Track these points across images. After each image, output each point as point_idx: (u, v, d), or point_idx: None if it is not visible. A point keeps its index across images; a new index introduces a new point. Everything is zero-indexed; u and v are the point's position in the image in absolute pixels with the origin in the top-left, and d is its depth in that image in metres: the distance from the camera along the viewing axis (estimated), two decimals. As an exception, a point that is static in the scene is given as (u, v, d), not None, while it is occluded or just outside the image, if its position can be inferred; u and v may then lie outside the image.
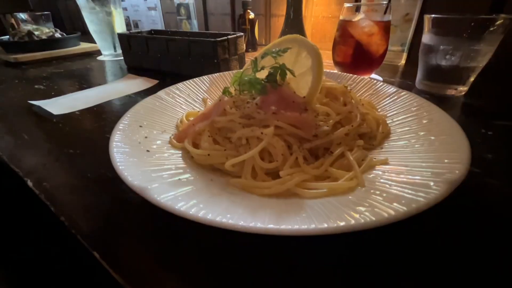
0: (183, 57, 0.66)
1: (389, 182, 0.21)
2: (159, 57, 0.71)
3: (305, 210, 0.18)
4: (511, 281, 0.18)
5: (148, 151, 0.27)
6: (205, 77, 0.46)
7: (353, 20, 0.55)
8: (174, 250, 0.20)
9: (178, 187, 0.21)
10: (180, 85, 0.42)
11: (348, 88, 0.38)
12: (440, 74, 0.50)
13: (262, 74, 0.30)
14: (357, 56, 0.57)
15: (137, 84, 0.62)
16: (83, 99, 0.54)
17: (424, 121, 0.30)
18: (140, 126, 0.31)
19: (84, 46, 1.03)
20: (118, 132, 0.28)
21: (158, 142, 0.30)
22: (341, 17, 0.58)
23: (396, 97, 0.36)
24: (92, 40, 0.96)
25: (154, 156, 0.26)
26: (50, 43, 0.94)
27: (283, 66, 0.29)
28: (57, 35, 1.02)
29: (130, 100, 0.55)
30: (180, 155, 0.28)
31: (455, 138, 0.25)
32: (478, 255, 0.19)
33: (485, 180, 0.27)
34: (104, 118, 0.47)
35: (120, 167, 0.21)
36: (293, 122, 0.26)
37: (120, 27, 0.91)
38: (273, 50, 0.30)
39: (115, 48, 0.94)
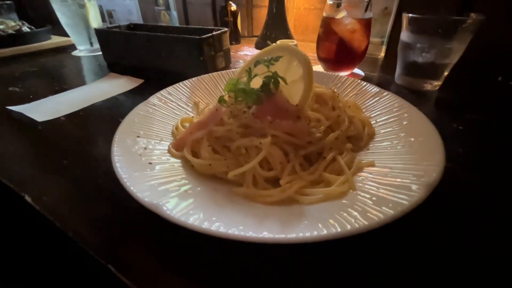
0: (167, 54, 0.65)
1: (376, 185, 0.24)
2: (141, 54, 0.69)
3: (306, 217, 0.21)
4: (485, 269, 0.21)
5: (150, 163, 0.28)
6: (194, 79, 0.46)
7: (336, 17, 0.57)
8: (183, 255, 0.22)
9: (187, 200, 0.23)
10: (170, 89, 0.43)
11: (335, 89, 0.40)
12: (417, 70, 0.54)
13: (255, 81, 0.32)
14: (340, 52, 0.59)
15: (121, 84, 0.61)
16: (67, 102, 0.52)
17: (405, 122, 0.33)
18: (138, 137, 0.31)
19: (56, 40, 0.97)
20: (117, 145, 0.28)
21: (157, 152, 0.31)
22: (324, 14, 0.59)
23: (378, 97, 0.39)
24: (63, 33, 0.91)
25: (157, 168, 0.27)
26: (19, 38, 0.88)
27: (275, 74, 0.31)
28: (25, 28, 0.95)
29: (117, 102, 0.54)
30: (180, 164, 0.29)
31: (432, 140, 0.28)
32: (452, 247, 0.23)
33: (457, 174, 0.31)
34: (92, 123, 0.46)
35: (129, 185, 0.22)
36: (288, 131, 0.27)
37: (95, 21, 0.87)
38: (266, 58, 0.31)
39: (91, 42, 0.89)
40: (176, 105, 0.41)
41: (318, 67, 0.69)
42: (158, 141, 0.33)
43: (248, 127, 0.28)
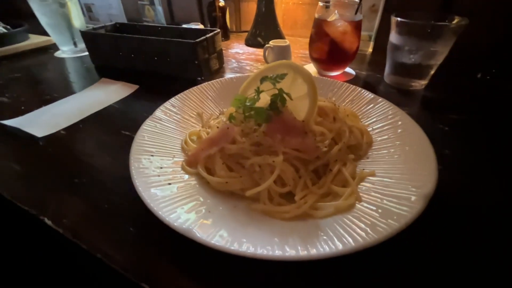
0: (161, 58, 0.65)
1: (380, 196, 0.27)
2: (132, 57, 0.68)
3: (323, 232, 0.23)
4: (476, 269, 0.25)
5: (169, 183, 0.29)
6: (195, 88, 0.47)
7: (328, 20, 0.58)
8: (208, 269, 0.24)
9: (213, 220, 0.25)
10: (173, 101, 0.43)
11: (332, 97, 0.42)
12: (405, 70, 0.57)
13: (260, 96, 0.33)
14: (332, 53, 0.61)
15: (116, 90, 0.60)
16: (63, 114, 0.51)
17: (399, 130, 0.36)
18: (152, 155, 0.33)
19: (35, 40, 0.93)
20: (135, 169, 0.30)
21: (172, 170, 0.32)
22: (316, 16, 0.60)
23: (373, 104, 0.42)
24: (42, 31, 0.86)
25: (177, 188, 0.29)
26: (-4, 40, 0.83)
27: (281, 91, 0.32)
28: (0, 29, 0.90)
29: (115, 111, 0.54)
30: (196, 182, 0.31)
31: (424, 149, 0.31)
32: (441, 249, 0.26)
33: (446, 176, 0.34)
34: (94, 136, 0.46)
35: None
36: (297, 147, 0.30)
37: (78, 20, 0.83)
38: (272, 76, 0.33)
39: (75, 43, 0.86)
40: (181, 118, 0.42)
41: (310, 66, 0.71)
42: (171, 158, 0.34)
43: (259, 145, 0.30)
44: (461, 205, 0.31)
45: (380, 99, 0.42)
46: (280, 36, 0.88)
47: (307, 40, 0.91)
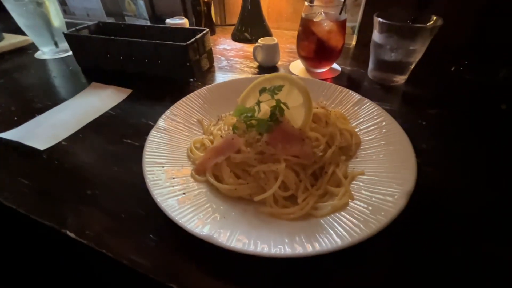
0: (151, 60, 0.65)
1: (369, 194, 0.31)
2: (121, 59, 0.68)
3: (325, 229, 0.28)
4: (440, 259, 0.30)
5: (184, 193, 0.32)
6: (192, 95, 0.49)
7: (314, 20, 0.61)
8: (232, 268, 0.28)
9: (229, 225, 0.28)
10: (173, 109, 0.45)
11: (323, 100, 0.46)
12: (387, 66, 0.61)
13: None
14: (319, 51, 0.64)
15: (109, 96, 0.61)
16: (61, 124, 0.52)
17: (384, 131, 0.40)
18: (163, 167, 0.35)
19: (11, 40, 0.88)
20: (152, 182, 0.32)
21: (184, 179, 0.35)
22: (303, 15, 0.63)
23: (359, 105, 0.46)
24: (18, 30, 0.81)
25: (192, 197, 0.32)
26: (-31, 42, 0.79)
27: (278, 102, 0.35)
28: (-29, 29, 0.85)
29: (113, 118, 0.55)
30: (207, 189, 0.34)
31: (405, 148, 0.36)
32: (420, 237, 0.32)
33: (424, 169, 0.40)
34: (97, 147, 0.47)
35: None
36: (296, 154, 0.33)
37: (57, 19, 0.80)
38: (270, 87, 0.36)
39: (55, 43, 0.83)
40: (183, 126, 0.44)
41: (298, 62, 0.73)
42: (180, 168, 0.37)
43: (262, 153, 0.34)
44: (435, 196, 0.36)
45: (366, 100, 0.46)
46: (266, 31, 0.89)
47: (293, 33, 0.93)
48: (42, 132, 0.50)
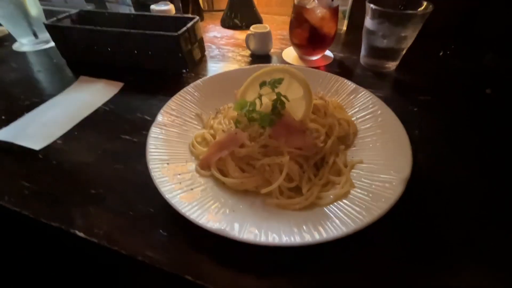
0: (142, 51, 0.63)
1: (369, 182, 0.33)
2: (109, 51, 0.65)
3: (330, 217, 0.29)
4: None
5: (192, 189, 0.33)
6: (188, 88, 0.48)
7: (307, 6, 0.60)
8: (244, 258, 0.30)
9: (239, 218, 0.30)
10: (171, 103, 0.45)
11: (321, 92, 0.47)
12: (379, 53, 0.62)
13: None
14: (312, 38, 0.64)
15: (100, 90, 0.59)
16: (53, 122, 0.50)
17: (379, 119, 0.42)
18: (167, 164, 0.36)
19: (-15, 31, 0.83)
20: (157, 177, 0.33)
21: (189, 175, 0.36)
22: (295, 1, 0.62)
23: (355, 94, 0.47)
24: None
25: (200, 192, 0.33)
26: None
27: (279, 94, 0.36)
28: None
29: (107, 113, 0.53)
30: (213, 183, 0.35)
31: (401, 136, 0.37)
32: (410, 223, 0.34)
33: (417, 155, 0.42)
34: (95, 144, 0.46)
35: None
36: (299, 146, 0.35)
37: (34, 7, 0.76)
38: (270, 80, 0.36)
39: (35, 33, 0.79)
40: (182, 120, 0.44)
41: (290, 49, 0.73)
42: (185, 163, 0.37)
43: (266, 146, 0.35)
44: (429, 180, 0.38)
45: (361, 89, 0.47)
46: (256, 16, 0.87)
47: (283, 18, 0.92)
48: (34, 131, 0.49)
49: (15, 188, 0.39)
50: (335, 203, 0.32)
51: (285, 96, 0.36)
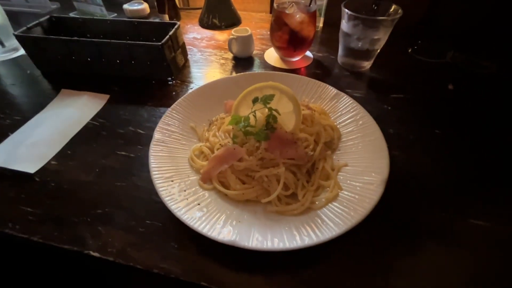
0: (124, 61, 0.63)
1: (354, 183, 0.38)
2: (89, 61, 0.64)
3: (324, 220, 0.34)
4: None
5: (199, 204, 0.36)
6: (180, 101, 0.50)
7: (286, 11, 0.62)
8: (252, 263, 0.34)
9: (245, 228, 0.33)
10: (165, 119, 0.46)
11: (306, 99, 0.51)
12: (354, 53, 0.67)
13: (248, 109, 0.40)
14: (292, 41, 0.67)
15: (86, 104, 0.58)
16: (43, 142, 0.50)
17: (360, 123, 0.46)
18: (172, 181, 0.38)
19: None
20: (165, 195, 0.35)
21: (193, 190, 0.39)
22: (275, 6, 0.64)
23: (337, 99, 0.51)
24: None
25: (206, 207, 0.36)
26: None
27: (270, 109, 0.39)
28: None
29: (97, 129, 0.53)
30: (216, 195, 0.39)
31: (379, 139, 0.42)
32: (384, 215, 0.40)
33: (392, 153, 0.47)
34: (91, 162, 0.47)
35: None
36: (292, 157, 0.38)
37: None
38: (262, 97, 0.39)
39: (1, 42, 0.74)
40: (179, 135, 0.46)
41: (271, 50, 0.76)
42: (187, 179, 0.40)
43: (263, 159, 0.38)
44: (403, 176, 0.44)
45: (342, 94, 0.51)
46: (235, 15, 0.88)
47: (260, 15, 0.94)
48: (25, 152, 0.48)
49: (18, 214, 0.40)
50: (327, 206, 0.36)
51: (276, 110, 0.39)
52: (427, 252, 0.36)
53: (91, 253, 0.36)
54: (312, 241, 0.31)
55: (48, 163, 0.47)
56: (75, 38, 0.60)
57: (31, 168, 0.45)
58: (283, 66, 0.71)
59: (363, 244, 0.36)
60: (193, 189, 0.38)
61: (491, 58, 0.68)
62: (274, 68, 0.70)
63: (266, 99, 0.39)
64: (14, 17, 0.83)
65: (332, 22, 0.82)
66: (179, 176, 0.40)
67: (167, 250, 0.36)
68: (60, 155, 0.49)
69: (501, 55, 0.70)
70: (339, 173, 0.41)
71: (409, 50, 0.75)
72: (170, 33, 0.62)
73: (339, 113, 0.50)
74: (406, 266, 0.34)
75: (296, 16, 0.63)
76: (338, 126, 0.48)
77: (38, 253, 0.46)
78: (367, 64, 0.69)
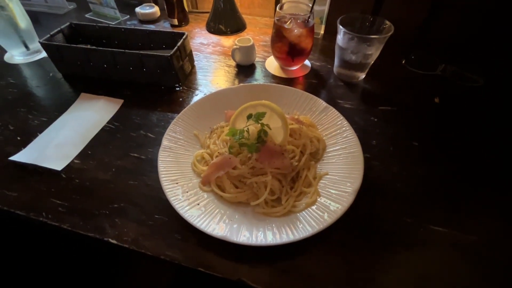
0: (136, 69, 0.69)
1: (331, 191, 0.45)
2: (105, 67, 0.71)
3: (302, 222, 0.41)
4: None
5: (198, 204, 0.43)
6: (186, 110, 0.56)
7: (285, 26, 0.67)
8: (240, 253, 0.41)
9: (236, 225, 0.40)
10: (172, 127, 0.53)
11: (296, 111, 0.57)
12: (349, 65, 0.71)
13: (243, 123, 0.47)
14: (291, 52, 0.72)
15: (103, 108, 0.66)
16: (68, 142, 0.58)
17: (344, 135, 0.52)
18: (177, 183, 0.45)
19: (-27, 43, 0.84)
20: (171, 196, 0.43)
21: (194, 191, 0.46)
22: (275, 20, 0.69)
23: (325, 112, 0.57)
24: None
25: (204, 206, 0.43)
26: None
27: (262, 125, 0.46)
28: None
29: (113, 132, 0.60)
30: (213, 197, 0.46)
31: (357, 152, 0.48)
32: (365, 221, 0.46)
33: (372, 163, 0.53)
34: (108, 163, 0.54)
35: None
36: (278, 167, 0.45)
37: (24, 20, 0.78)
38: (255, 114, 0.45)
39: (26, 45, 0.82)
40: (184, 142, 0.53)
41: (272, 59, 0.81)
42: (190, 182, 0.47)
43: (253, 168, 0.45)
44: (380, 185, 0.50)
45: (330, 108, 0.57)
46: (241, 21, 0.93)
47: (265, 20, 0.98)
48: (52, 152, 0.56)
49: (50, 205, 0.48)
50: (306, 210, 0.43)
51: (267, 125, 0.46)
52: (389, 250, 0.42)
53: (110, 240, 0.44)
54: (289, 239, 0.38)
55: (72, 161, 0.55)
56: (94, 47, 0.67)
57: (58, 165, 0.53)
58: (282, 75, 0.76)
59: (334, 242, 0.43)
60: (194, 190, 0.46)
61: (479, 71, 0.71)
62: (274, 77, 0.75)
63: (259, 116, 0.45)
64: (33, 17, 0.89)
65: (333, 29, 0.85)
66: (183, 179, 0.47)
67: (171, 240, 0.44)
68: (82, 155, 0.56)
69: (489, 69, 0.74)
70: (321, 180, 0.47)
71: (403, 61, 0.79)
72: (178, 43, 0.68)
73: (326, 125, 0.55)
74: (368, 263, 0.41)
75: (295, 31, 0.68)
76: (324, 138, 0.54)
77: (62, 241, 0.54)
78: (361, 75, 0.73)
